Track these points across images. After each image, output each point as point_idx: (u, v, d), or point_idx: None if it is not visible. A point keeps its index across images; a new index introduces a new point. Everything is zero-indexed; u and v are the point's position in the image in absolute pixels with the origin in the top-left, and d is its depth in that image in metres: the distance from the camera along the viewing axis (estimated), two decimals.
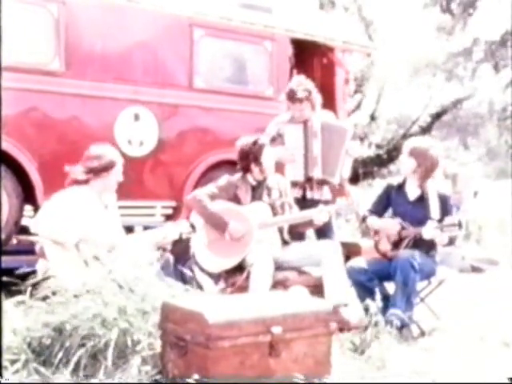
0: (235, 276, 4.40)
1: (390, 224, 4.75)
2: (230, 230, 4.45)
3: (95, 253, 3.85)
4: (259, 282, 4.23)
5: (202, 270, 4.46)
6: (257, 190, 4.66)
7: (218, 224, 4.49)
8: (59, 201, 3.99)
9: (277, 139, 5.17)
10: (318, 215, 4.51)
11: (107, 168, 4.05)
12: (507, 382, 3.41)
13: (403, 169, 4.85)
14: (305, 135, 5.09)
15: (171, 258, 4.20)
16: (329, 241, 4.64)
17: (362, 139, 4.95)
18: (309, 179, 5.11)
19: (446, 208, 4.71)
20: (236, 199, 4.62)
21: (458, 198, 10.83)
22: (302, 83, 5.16)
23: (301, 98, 5.06)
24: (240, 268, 4.40)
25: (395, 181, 5.00)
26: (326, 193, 5.22)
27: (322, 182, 5.17)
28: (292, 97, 5.11)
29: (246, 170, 4.68)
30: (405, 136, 15.88)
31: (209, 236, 4.54)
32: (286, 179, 4.88)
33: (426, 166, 4.72)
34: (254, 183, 4.67)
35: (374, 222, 4.85)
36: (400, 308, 4.37)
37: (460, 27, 16.03)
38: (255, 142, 4.67)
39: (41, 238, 3.89)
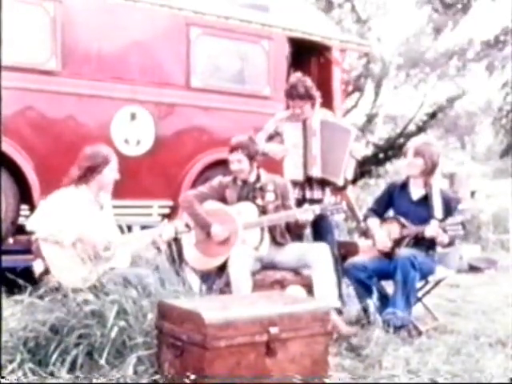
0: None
1: (381, 240, 4.74)
2: (212, 233, 4.49)
3: (92, 252, 3.86)
4: (236, 282, 4.23)
5: (192, 269, 4.50)
6: (243, 190, 4.65)
7: (202, 226, 4.54)
8: (56, 200, 4.00)
9: (275, 137, 5.15)
10: (303, 215, 4.47)
11: (100, 166, 4.05)
12: (505, 381, 3.41)
13: (411, 170, 4.79)
14: (304, 134, 5.03)
15: (166, 258, 4.20)
16: (320, 244, 4.59)
17: (359, 138, 4.95)
18: (308, 179, 5.06)
19: (449, 208, 4.69)
20: (224, 199, 4.64)
21: (455, 198, 10.84)
22: (301, 80, 5.10)
23: (301, 94, 4.99)
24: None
25: (399, 180, 5.00)
26: (326, 194, 5.14)
27: (323, 183, 5.11)
28: (292, 93, 5.03)
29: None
30: (401, 135, 15.90)
31: (197, 235, 4.58)
32: (286, 182, 4.80)
33: (433, 163, 4.74)
34: (240, 183, 4.67)
35: (371, 226, 4.86)
36: (399, 307, 4.37)
37: (453, 26, 16.05)
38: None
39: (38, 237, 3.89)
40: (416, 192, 4.80)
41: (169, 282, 3.82)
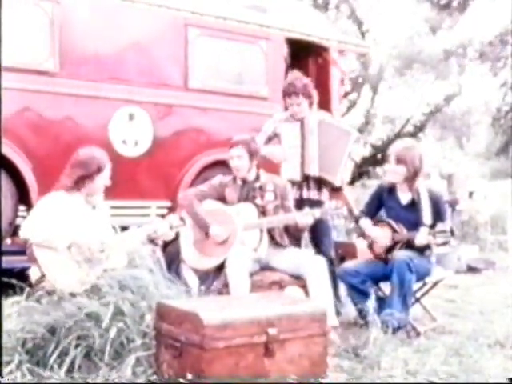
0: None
1: (379, 236, 4.72)
2: (211, 234, 4.49)
3: (88, 254, 3.83)
4: (235, 283, 4.22)
5: (189, 268, 4.50)
6: (243, 190, 4.64)
7: (201, 226, 4.54)
8: (46, 205, 3.94)
9: (273, 138, 5.14)
10: (303, 218, 4.45)
11: (93, 175, 3.97)
12: (503, 382, 3.41)
13: (395, 178, 4.75)
14: (302, 133, 5.02)
15: (162, 259, 4.20)
16: (316, 258, 4.56)
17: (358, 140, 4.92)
18: (306, 179, 5.05)
19: (438, 211, 4.66)
20: (224, 199, 4.63)
21: (453, 199, 10.87)
22: (299, 77, 5.11)
23: (298, 90, 4.98)
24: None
25: (386, 182, 4.96)
26: (324, 194, 5.14)
27: (320, 182, 5.10)
28: (289, 90, 5.03)
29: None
30: (398, 135, 15.92)
31: (195, 235, 4.57)
32: (286, 182, 4.78)
33: (415, 168, 4.68)
34: (240, 183, 4.66)
35: (365, 226, 4.84)
36: (396, 308, 4.37)
37: (452, 25, 16.08)
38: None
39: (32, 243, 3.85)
40: (404, 196, 4.77)
41: (166, 282, 3.81)
